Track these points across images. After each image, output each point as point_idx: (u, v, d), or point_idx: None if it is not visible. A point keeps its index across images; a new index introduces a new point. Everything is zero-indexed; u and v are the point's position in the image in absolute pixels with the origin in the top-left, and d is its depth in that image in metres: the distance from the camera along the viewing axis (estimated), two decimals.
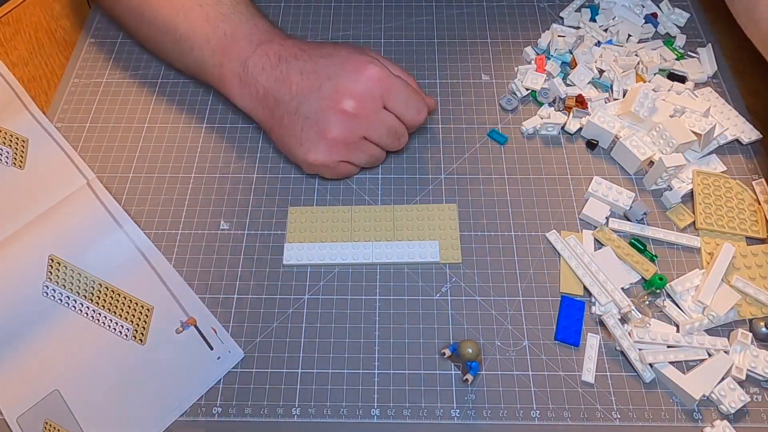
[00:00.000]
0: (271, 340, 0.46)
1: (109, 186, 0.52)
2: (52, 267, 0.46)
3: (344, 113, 0.47)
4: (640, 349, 0.44)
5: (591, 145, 0.54)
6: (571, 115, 0.55)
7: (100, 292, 0.47)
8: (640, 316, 0.45)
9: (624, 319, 0.46)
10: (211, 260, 0.49)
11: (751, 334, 0.44)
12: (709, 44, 0.61)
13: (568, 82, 0.58)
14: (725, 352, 0.44)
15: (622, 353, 0.45)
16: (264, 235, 0.50)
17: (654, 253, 0.49)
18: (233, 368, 0.44)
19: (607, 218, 0.50)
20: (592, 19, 0.62)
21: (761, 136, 0.54)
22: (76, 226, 0.48)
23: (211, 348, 0.45)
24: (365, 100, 0.47)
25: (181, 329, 0.46)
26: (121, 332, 0.45)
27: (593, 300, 0.47)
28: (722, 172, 0.52)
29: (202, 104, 0.58)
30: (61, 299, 0.46)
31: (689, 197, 0.52)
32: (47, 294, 0.46)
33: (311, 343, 0.46)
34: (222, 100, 0.57)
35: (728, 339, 0.44)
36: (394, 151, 0.53)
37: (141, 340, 0.45)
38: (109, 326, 0.46)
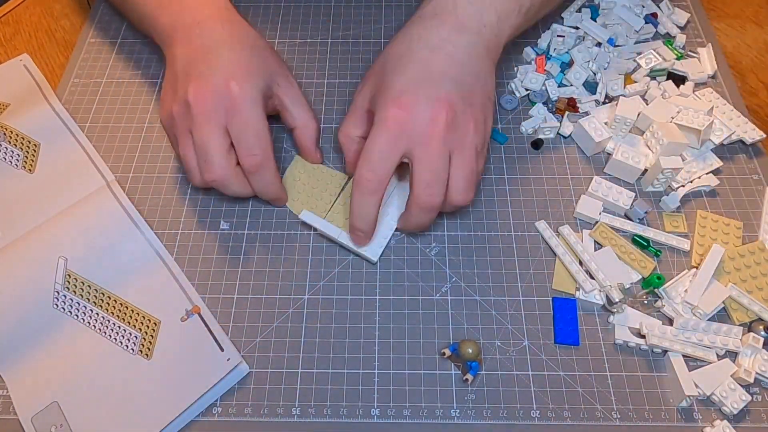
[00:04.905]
0: (271, 340, 0.46)
1: None
2: (65, 268, 0.46)
3: (184, 95, 0.45)
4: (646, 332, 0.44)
5: (536, 144, 0.55)
6: (565, 117, 0.55)
7: (110, 299, 0.46)
8: (621, 296, 0.45)
9: (607, 306, 0.46)
10: (211, 260, 0.49)
11: (762, 339, 0.44)
12: (709, 44, 0.61)
13: (565, 81, 0.58)
14: (735, 353, 0.44)
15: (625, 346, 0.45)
16: (264, 235, 0.50)
17: (657, 249, 0.49)
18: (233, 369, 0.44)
19: (600, 214, 0.50)
20: (593, 19, 0.61)
21: (764, 135, 0.54)
22: (94, 226, 0.48)
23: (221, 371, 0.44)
24: (205, 101, 0.44)
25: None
26: (128, 346, 0.45)
27: (578, 287, 0.47)
28: (719, 171, 0.53)
29: None
30: (71, 303, 0.45)
31: (688, 198, 0.52)
32: (57, 296, 0.45)
33: (311, 343, 0.46)
34: None
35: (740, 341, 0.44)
36: (198, 183, 0.47)
37: (147, 354, 0.44)
38: (116, 339, 0.45)
